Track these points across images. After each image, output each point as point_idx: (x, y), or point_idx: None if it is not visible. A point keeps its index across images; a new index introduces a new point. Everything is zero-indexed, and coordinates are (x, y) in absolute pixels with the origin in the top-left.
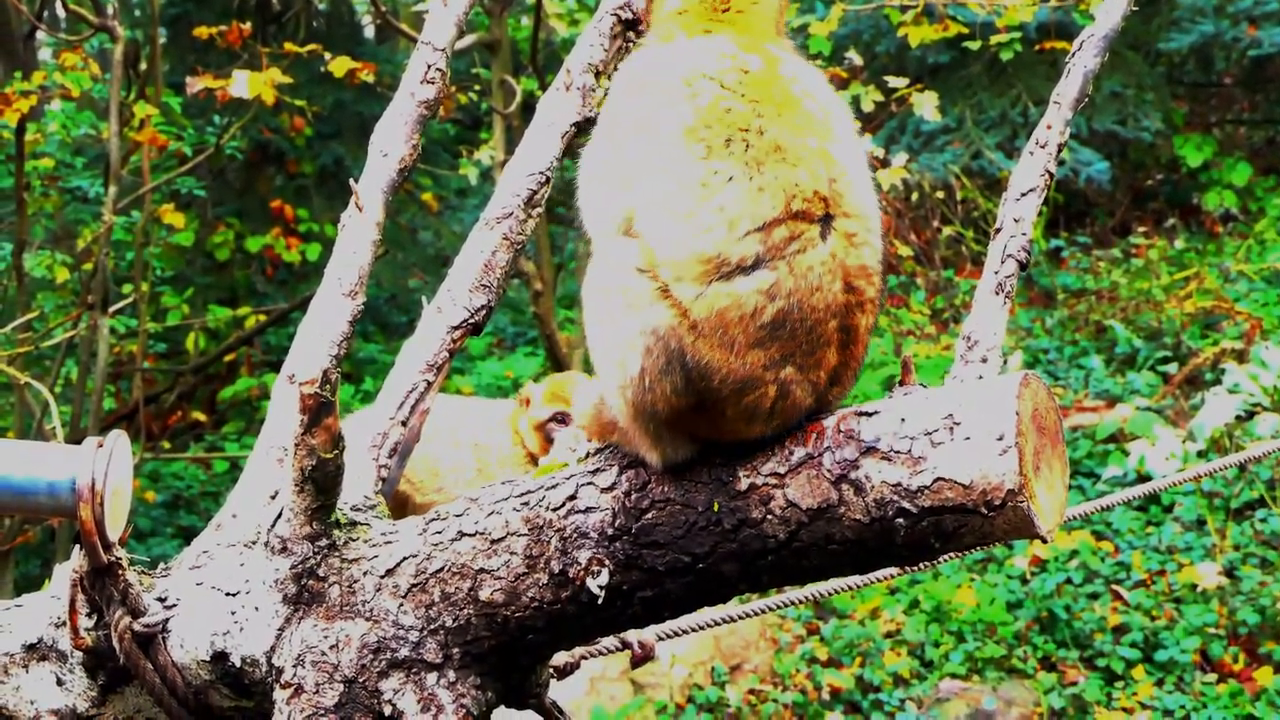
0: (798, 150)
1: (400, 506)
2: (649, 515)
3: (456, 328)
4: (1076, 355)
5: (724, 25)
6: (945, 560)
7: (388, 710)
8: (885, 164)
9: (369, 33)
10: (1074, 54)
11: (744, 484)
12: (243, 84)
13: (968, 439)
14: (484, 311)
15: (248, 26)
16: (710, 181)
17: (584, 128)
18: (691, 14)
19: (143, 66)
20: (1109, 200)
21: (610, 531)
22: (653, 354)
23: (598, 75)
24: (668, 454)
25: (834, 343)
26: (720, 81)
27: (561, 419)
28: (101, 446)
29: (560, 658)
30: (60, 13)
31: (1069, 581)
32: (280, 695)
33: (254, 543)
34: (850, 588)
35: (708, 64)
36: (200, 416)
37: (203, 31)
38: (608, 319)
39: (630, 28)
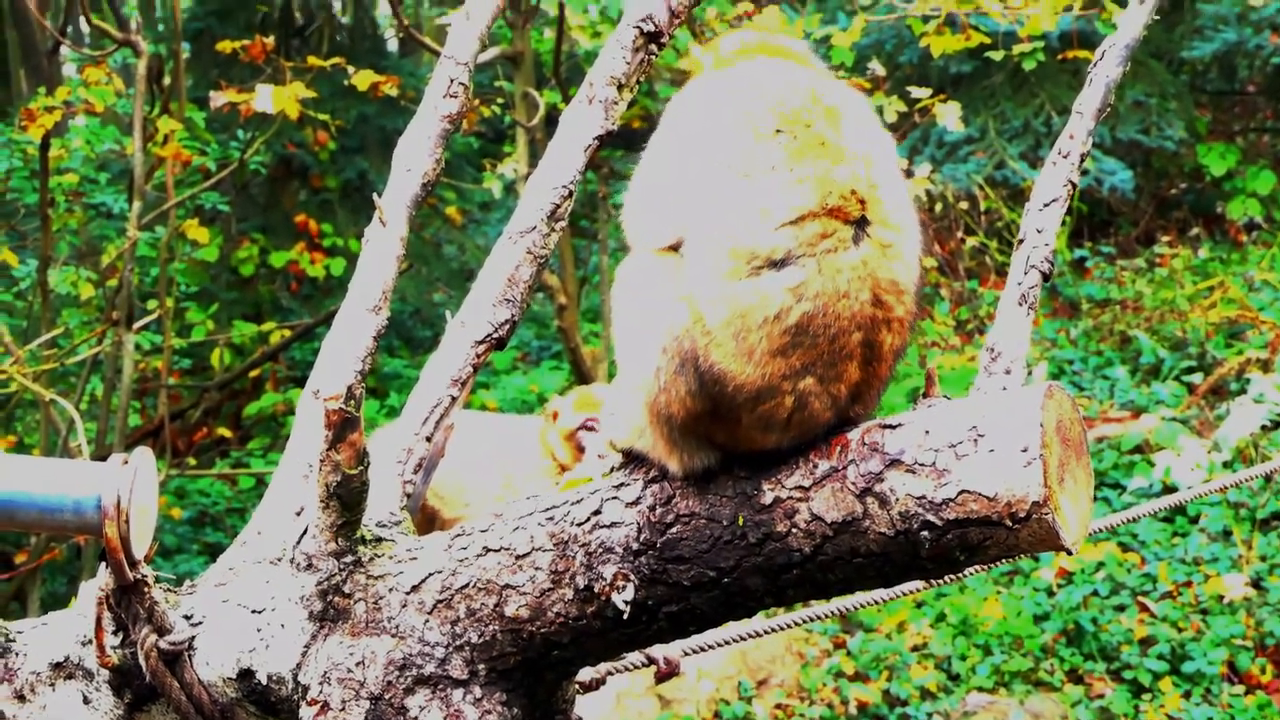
0: (841, 150)
1: (428, 522)
2: (674, 530)
3: (481, 342)
4: (1101, 366)
5: (780, 55)
6: (971, 573)
7: None
8: (909, 174)
9: (392, 46)
10: (1096, 63)
11: (768, 497)
12: (266, 98)
13: (992, 451)
14: (508, 326)
15: (271, 41)
16: (754, 170)
17: (607, 141)
18: (749, 49)
19: (166, 81)
20: (1133, 210)
21: (635, 546)
22: (668, 354)
23: (620, 88)
24: (685, 461)
25: (857, 357)
26: (778, 84)
27: (591, 426)
28: (127, 464)
29: (586, 673)
30: (84, 28)
31: (1095, 593)
32: (306, 713)
33: (279, 559)
34: (876, 601)
35: (767, 74)
36: (226, 433)
37: (226, 46)
38: (631, 318)
39: (652, 40)
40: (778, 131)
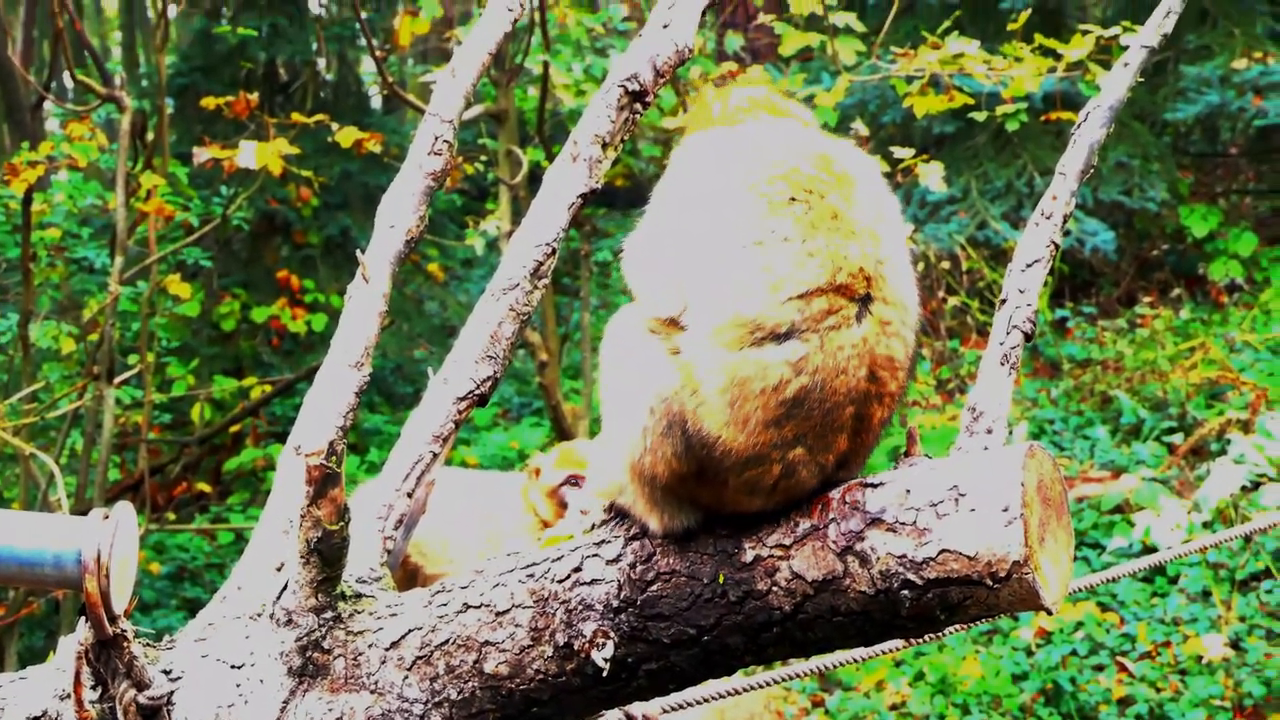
0: (852, 223)
1: (410, 578)
2: (654, 587)
3: (462, 399)
4: (1082, 426)
5: (786, 116)
6: (950, 632)
7: None
8: None
9: (376, 103)
10: (1079, 125)
11: (749, 556)
12: (250, 154)
13: (973, 510)
14: (490, 382)
15: (255, 97)
16: (766, 239)
17: (590, 199)
18: (755, 108)
19: (150, 137)
20: (1114, 270)
21: (615, 604)
22: (656, 415)
23: (604, 147)
24: (666, 520)
25: (847, 429)
26: (790, 148)
27: (575, 482)
28: (107, 518)
29: None
30: (68, 83)
31: (1074, 653)
32: None
33: (259, 615)
34: (855, 660)
35: (778, 136)
36: (205, 488)
37: (210, 102)
38: (620, 375)
39: (637, 99)
40: (792, 200)
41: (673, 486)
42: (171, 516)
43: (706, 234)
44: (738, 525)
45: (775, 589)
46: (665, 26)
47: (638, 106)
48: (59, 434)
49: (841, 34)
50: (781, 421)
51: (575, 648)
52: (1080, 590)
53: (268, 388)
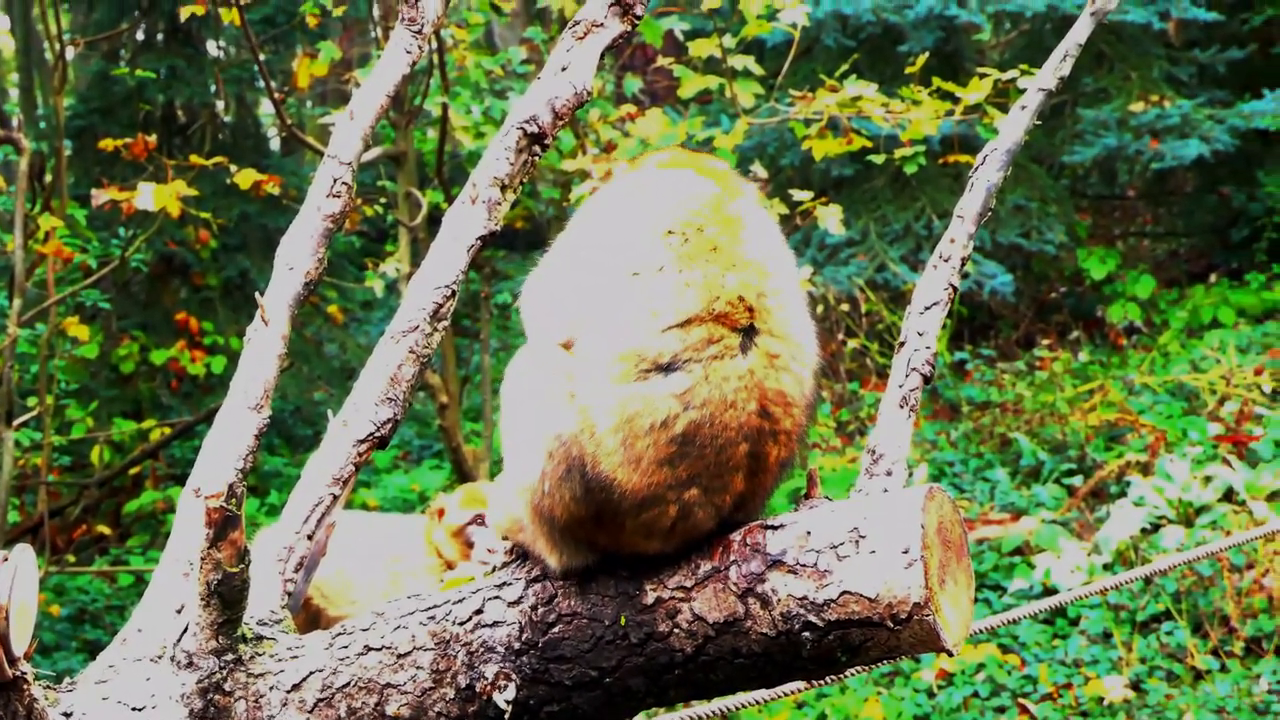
0: (732, 256)
1: (312, 620)
2: (556, 629)
3: (362, 441)
4: (982, 468)
5: (693, 169)
6: (853, 673)
7: None
8: None
9: (275, 145)
10: (977, 167)
11: (650, 598)
12: (148, 196)
13: (873, 552)
14: (390, 425)
15: (153, 139)
16: (644, 270)
17: (490, 241)
18: (670, 163)
19: (48, 178)
20: (1013, 313)
21: (517, 646)
22: (555, 459)
23: (503, 189)
24: (565, 560)
25: (743, 468)
26: (679, 190)
27: (481, 521)
28: (5, 560)
29: None
30: None
31: (976, 695)
32: None
33: (160, 657)
34: (757, 702)
35: (672, 180)
36: (105, 530)
37: (108, 144)
38: (520, 418)
39: (536, 141)
40: (669, 233)
41: (571, 528)
42: (71, 559)
43: (593, 270)
44: (638, 566)
45: (677, 631)
46: (564, 69)
47: (536, 149)
48: None
49: (740, 77)
50: (675, 460)
51: (477, 690)
52: (981, 632)
53: (167, 430)
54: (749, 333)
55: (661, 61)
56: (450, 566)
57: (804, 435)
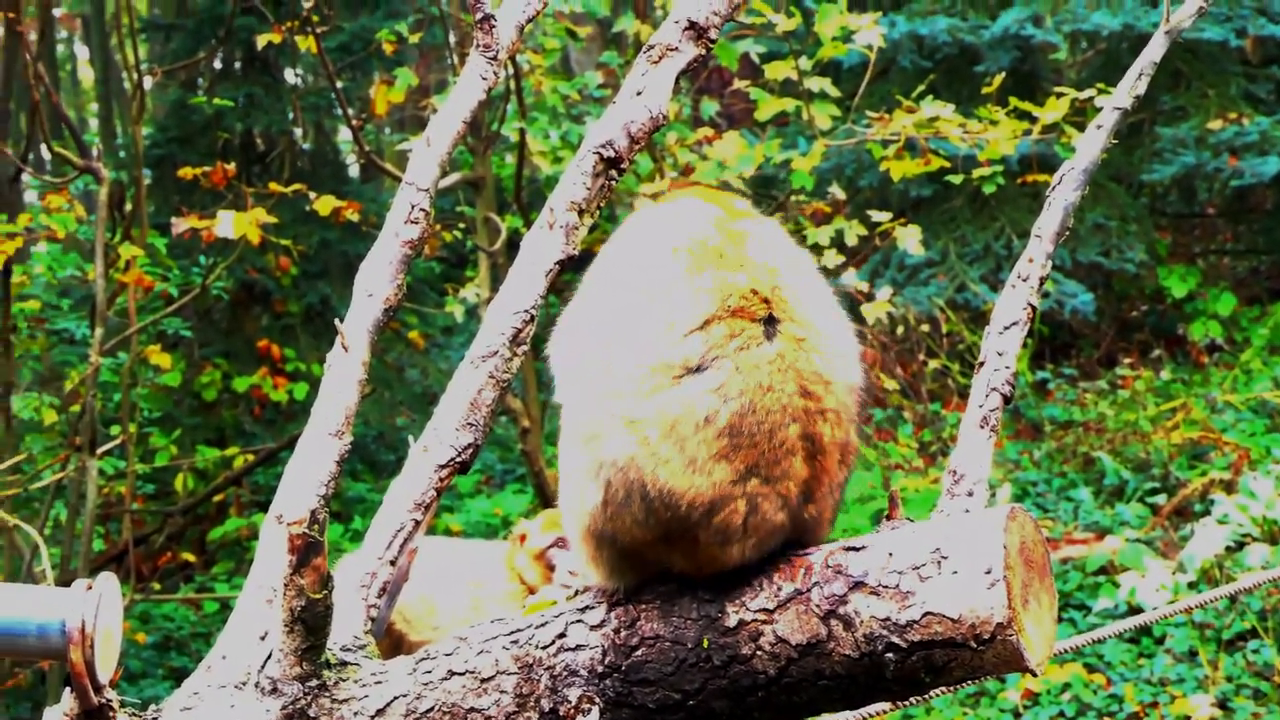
0: (739, 259)
1: (395, 646)
2: (639, 652)
3: (443, 466)
4: (1065, 487)
5: (704, 198)
6: (938, 694)
7: None
8: (870, 297)
9: (354, 171)
10: (1054, 187)
11: (733, 620)
12: (228, 224)
13: (955, 573)
14: (470, 450)
15: (232, 167)
16: (655, 287)
17: (568, 265)
18: (672, 194)
19: (128, 208)
20: (1094, 332)
21: (600, 669)
22: (613, 487)
23: (581, 213)
24: (617, 582)
25: (799, 451)
26: (686, 216)
27: (562, 544)
28: (90, 589)
29: None
30: (45, 155)
31: (1062, 714)
32: None
33: (244, 684)
34: None
35: (680, 208)
36: (190, 557)
37: (187, 172)
38: (570, 455)
39: (612, 166)
40: (675, 250)
41: (639, 552)
42: (157, 586)
43: (609, 300)
44: (718, 588)
45: (760, 653)
46: (639, 93)
47: (613, 173)
48: (43, 505)
49: (817, 99)
50: (729, 454)
51: (561, 713)
52: (1066, 651)
53: (250, 457)
54: (770, 322)
55: (738, 84)
56: (532, 591)
57: (855, 418)
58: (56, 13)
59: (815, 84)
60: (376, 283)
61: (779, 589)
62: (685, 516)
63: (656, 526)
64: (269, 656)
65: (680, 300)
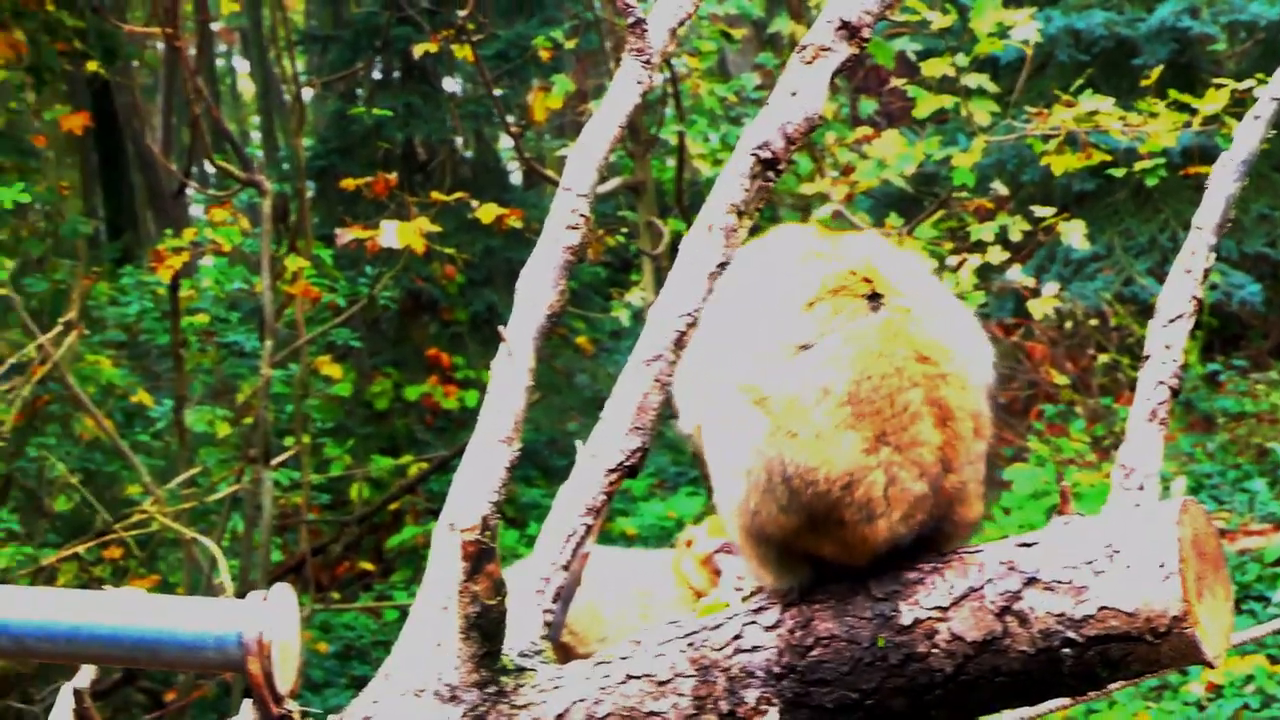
0: (838, 254)
1: (563, 659)
2: (814, 652)
3: (613, 470)
4: (1240, 479)
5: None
6: (1118, 688)
7: None
8: (1036, 293)
9: (515, 178)
10: (1212, 179)
11: (908, 618)
12: (392, 234)
13: (1129, 567)
14: (639, 454)
15: (394, 177)
16: (755, 287)
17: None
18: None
19: (292, 219)
20: (1263, 323)
21: (777, 670)
22: (753, 474)
23: (740, 215)
24: (786, 581)
25: (926, 417)
26: (776, 236)
27: (729, 550)
28: (266, 600)
29: None
30: (208, 169)
31: (1246, 707)
32: None
33: (423, 691)
34: None
35: (768, 237)
36: (368, 566)
37: (349, 183)
38: (713, 456)
39: (769, 167)
40: (768, 260)
41: (795, 545)
42: (336, 596)
43: (718, 320)
44: (888, 586)
45: (935, 651)
46: (793, 94)
47: (770, 174)
48: (219, 517)
49: (975, 96)
50: (854, 424)
51: (739, 715)
52: (1247, 643)
53: (424, 465)
54: (873, 297)
55: (895, 82)
56: (700, 596)
57: (978, 385)
58: (214, 27)
59: (973, 80)
60: (538, 289)
61: (952, 586)
62: (825, 493)
63: (800, 510)
64: (446, 664)
65: (782, 292)
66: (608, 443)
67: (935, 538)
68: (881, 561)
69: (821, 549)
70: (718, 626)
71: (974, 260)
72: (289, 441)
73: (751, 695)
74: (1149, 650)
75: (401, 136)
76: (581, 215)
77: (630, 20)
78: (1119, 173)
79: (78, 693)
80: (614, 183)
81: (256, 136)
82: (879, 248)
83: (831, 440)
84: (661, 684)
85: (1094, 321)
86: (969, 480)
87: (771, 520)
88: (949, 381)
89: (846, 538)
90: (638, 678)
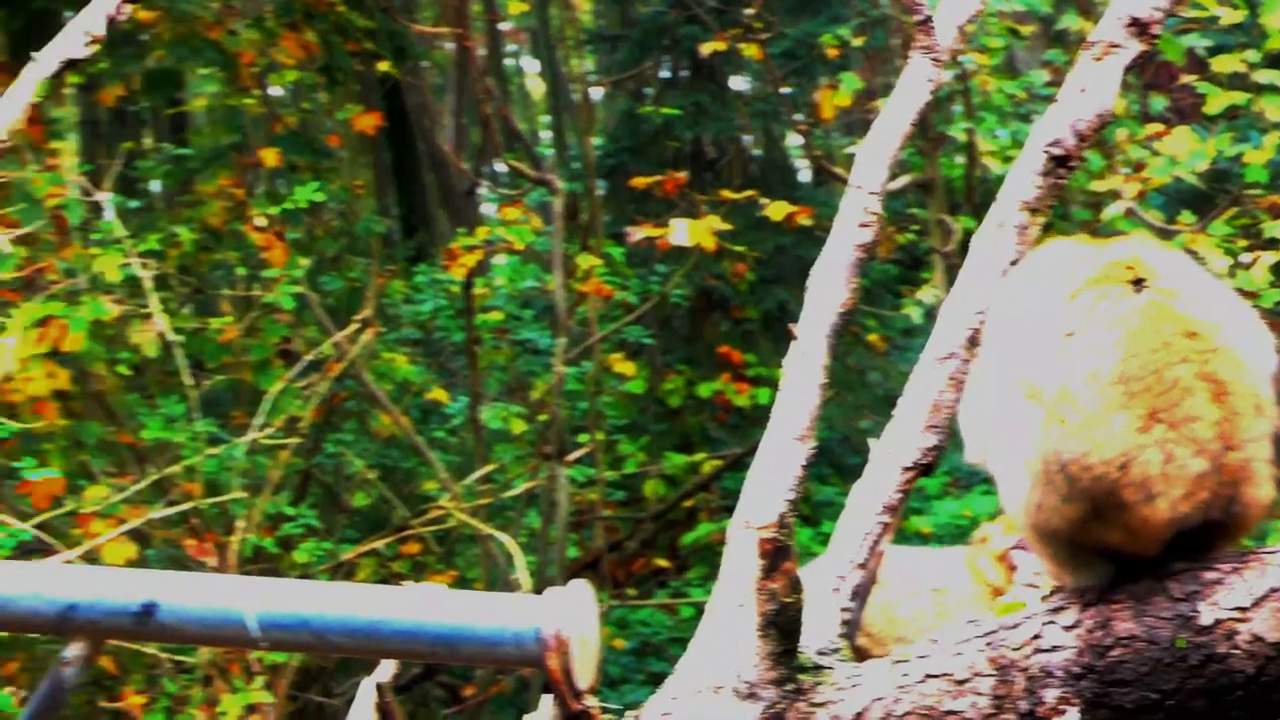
0: (1105, 254)
1: (858, 661)
2: (1114, 653)
3: (908, 468)
4: None
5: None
6: None
7: None
8: None
9: (804, 176)
10: None
11: (1207, 619)
12: (682, 232)
13: None
14: (934, 452)
15: (683, 175)
16: (1024, 295)
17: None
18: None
19: (583, 218)
20: None
21: (1076, 670)
22: (1032, 466)
23: (1032, 212)
24: (1082, 579)
25: (1199, 391)
26: (1046, 248)
27: (1025, 546)
28: (564, 596)
29: None
30: (499, 168)
31: None
32: None
33: (720, 688)
34: None
35: (1060, 243)
36: (663, 563)
37: (639, 182)
38: (997, 454)
39: (1061, 164)
40: (1037, 273)
41: (1082, 537)
42: (632, 592)
43: (999, 326)
44: (1186, 585)
45: (1236, 652)
46: (1083, 90)
47: (1061, 171)
48: (516, 514)
49: (1266, 92)
50: (1125, 403)
51: (1038, 715)
52: None
53: (718, 462)
54: (1136, 283)
55: (1185, 79)
56: (997, 593)
57: (1256, 367)
58: (503, 27)
59: (1264, 76)
60: (830, 286)
61: (1252, 586)
62: (1102, 476)
63: (1081, 497)
64: (744, 661)
65: (1048, 288)
66: (902, 440)
67: (1227, 522)
68: (1174, 551)
69: (1108, 538)
70: (1015, 626)
71: (1268, 258)
72: (583, 438)
73: (1051, 695)
74: None
75: (690, 135)
76: (873, 213)
77: (918, 17)
78: None
79: (379, 687)
80: (903, 180)
81: (546, 136)
82: (1145, 245)
83: (1103, 422)
84: (960, 683)
85: None
86: (1254, 458)
87: (1056, 513)
88: (1220, 356)
89: (1129, 521)
90: (936, 676)
